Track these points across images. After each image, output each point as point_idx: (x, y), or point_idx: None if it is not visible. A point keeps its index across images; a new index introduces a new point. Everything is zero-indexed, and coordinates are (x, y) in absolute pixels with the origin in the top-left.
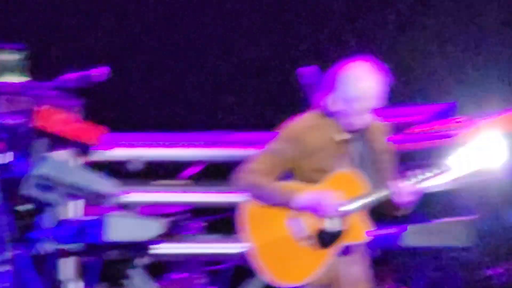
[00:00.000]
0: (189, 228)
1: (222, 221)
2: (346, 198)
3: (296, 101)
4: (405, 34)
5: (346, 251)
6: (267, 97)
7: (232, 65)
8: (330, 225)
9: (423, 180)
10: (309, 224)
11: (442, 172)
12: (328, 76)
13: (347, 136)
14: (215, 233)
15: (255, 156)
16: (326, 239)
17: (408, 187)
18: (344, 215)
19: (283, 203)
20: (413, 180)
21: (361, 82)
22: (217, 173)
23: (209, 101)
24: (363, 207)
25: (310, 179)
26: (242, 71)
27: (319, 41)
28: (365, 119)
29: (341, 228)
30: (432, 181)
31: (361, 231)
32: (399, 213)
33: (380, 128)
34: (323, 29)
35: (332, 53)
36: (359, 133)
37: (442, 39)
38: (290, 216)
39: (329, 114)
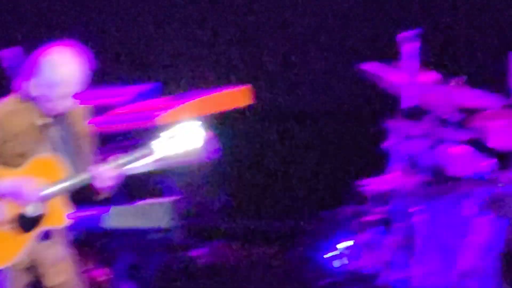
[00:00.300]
0: None
1: None
2: (46, 183)
3: None
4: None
5: (46, 235)
6: None
7: None
8: (30, 209)
9: (123, 163)
10: (9, 208)
11: (143, 155)
12: (30, 60)
13: (47, 120)
14: None
15: None
16: (26, 223)
17: (108, 171)
18: (44, 199)
19: None
20: (113, 164)
21: (61, 68)
22: None
23: None
24: (63, 191)
25: (11, 164)
26: None
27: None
28: (66, 104)
29: (41, 213)
30: (133, 163)
31: (61, 215)
32: (100, 197)
33: (80, 112)
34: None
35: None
36: (60, 118)
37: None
38: None
39: (30, 99)
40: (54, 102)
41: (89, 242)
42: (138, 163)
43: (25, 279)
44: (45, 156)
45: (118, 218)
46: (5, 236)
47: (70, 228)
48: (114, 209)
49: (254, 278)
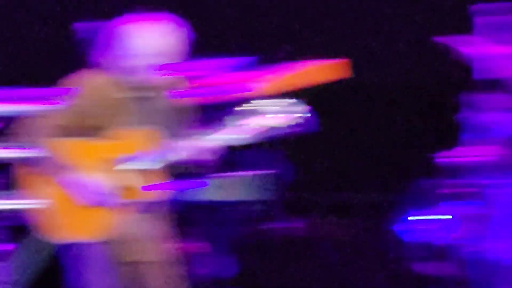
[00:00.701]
0: None
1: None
2: (137, 154)
3: (73, 57)
4: None
5: (143, 208)
6: (46, 51)
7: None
8: (124, 181)
9: (220, 135)
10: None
11: (238, 126)
12: (109, 32)
13: (135, 93)
14: None
15: (46, 112)
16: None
17: (204, 143)
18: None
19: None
20: (210, 136)
21: (143, 38)
22: None
23: None
24: (158, 163)
25: (90, 136)
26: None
27: None
28: (151, 75)
29: (135, 185)
30: (229, 135)
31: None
32: (199, 170)
33: (172, 83)
34: None
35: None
36: (150, 90)
37: None
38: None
39: (113, 71)
40: (138, 74)
41: (188, 215)
42: (234, 134)
43: (119, 253)
44: (138, 128)
45: (217, 190)
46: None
47: (168, 201)
48: (213, 181)
49: (340, 251)
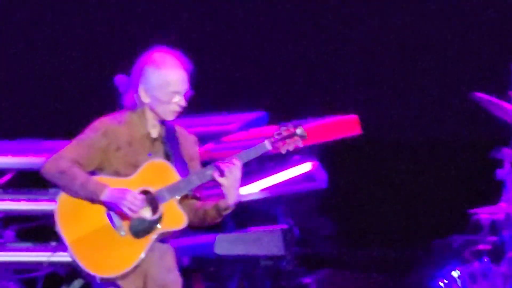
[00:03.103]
0: (0, 236)
1: (33, 229)
2: (160, 185)
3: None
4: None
5: (163, 239)
6: (79, 105)
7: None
8: (147, 213)
9: (243, 157)
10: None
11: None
12: (133, 72)
13: (160, 131)
14: (26, 241)
15: (66, 145)
16: (144, 227)
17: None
18: (159, 202)
19: (90, 197)
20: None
21: (166, 66)
22: (27, 181)
23: (17, 108)
24: (180, 192)
25: (123, 173)
26: (50, 80)
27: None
28: (178, 105)
29: (159, 216)
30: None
31: (179, 218)
32: (221, 215)
33: (188, 137)
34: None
35: None
36: (171, 133)
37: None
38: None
39: (142, 108)
40: (162, 106)
41: (200, 268)
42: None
43: None
44: (159, 161)
45: (228, 245)
46: (123, 241)
47: (182, 253)
48: (225, 236)
49: None
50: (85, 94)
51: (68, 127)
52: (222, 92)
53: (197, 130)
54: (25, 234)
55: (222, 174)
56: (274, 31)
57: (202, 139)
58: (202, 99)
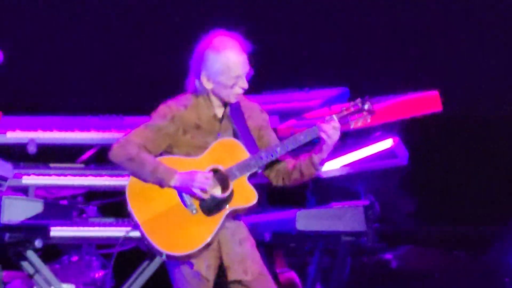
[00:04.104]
0: (83, 211)
1: (115, 205)
2: (229, 164)
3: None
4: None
5: (235, 216)
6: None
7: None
8: (217, 191)
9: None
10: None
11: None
12: (194, 57)
13: (225, 112)
14: (109, 216)
15: (134, 130)
16: (215, 205)
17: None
18: (231, 179)
19: (159, 183)
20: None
21: (227, 50)
22: None
23: (101, 85)
24: (250, 169)
25: (193, 154)
26: (124, 57)
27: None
28: (237, 91)
29: (229, 194)
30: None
31: (249, 194)
32: (317, 169)
33: (253, 106)
34: None
35: None
36: (235, 109)
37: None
38: None
39: (205, 93)
40: (230, 89)
41: (281, 244)
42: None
43: (212, 271)
44: (228, 139)
45: (309, 221)
46: (195, 219)
47: (263, 229)
48: (306, 212)
49: (443, 284)
50: (161, 73)
51: (148, 103)
52: (305, 68)
53: (279, 106)
54: (107, 210)
55: (326, 133)
56: (361, 4)
57: (284, 115)
58: (284, 75)
